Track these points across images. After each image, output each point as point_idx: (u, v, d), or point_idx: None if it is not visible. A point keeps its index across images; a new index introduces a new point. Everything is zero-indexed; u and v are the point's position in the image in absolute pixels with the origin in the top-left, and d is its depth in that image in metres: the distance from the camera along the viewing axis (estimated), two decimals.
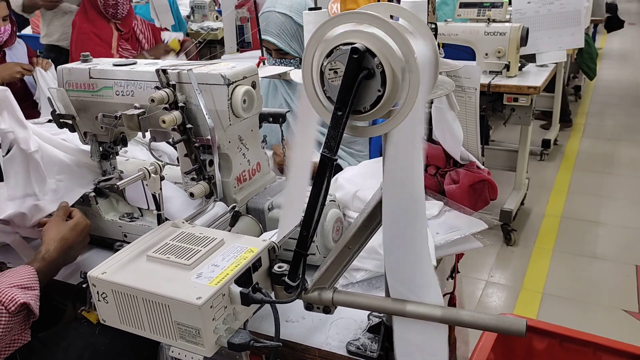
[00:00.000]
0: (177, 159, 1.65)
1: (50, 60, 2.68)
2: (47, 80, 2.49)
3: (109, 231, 1.32)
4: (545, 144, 4.30)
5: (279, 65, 1.82)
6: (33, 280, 1.09)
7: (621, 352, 1.42)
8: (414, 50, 0.70)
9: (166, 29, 3.81)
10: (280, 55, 1.83)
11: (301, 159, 0.86)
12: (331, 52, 0.73)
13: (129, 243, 1.00)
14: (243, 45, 3.97)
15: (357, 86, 0.71)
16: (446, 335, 0.86)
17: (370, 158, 1.85)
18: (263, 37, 1.80)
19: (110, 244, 1.29)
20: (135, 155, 1.59)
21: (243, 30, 3.90)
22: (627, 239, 3.20)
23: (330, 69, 0.74)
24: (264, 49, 1.86)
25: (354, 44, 0.70)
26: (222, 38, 4.30)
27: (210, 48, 5.49)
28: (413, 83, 0.71)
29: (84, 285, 1.11)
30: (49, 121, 2.11)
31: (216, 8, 5.49)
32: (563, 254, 3.06)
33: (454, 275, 1.55)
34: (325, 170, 0.77)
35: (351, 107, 0.73)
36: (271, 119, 1.28)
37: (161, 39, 3.45)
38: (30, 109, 2.53)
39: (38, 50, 2.85)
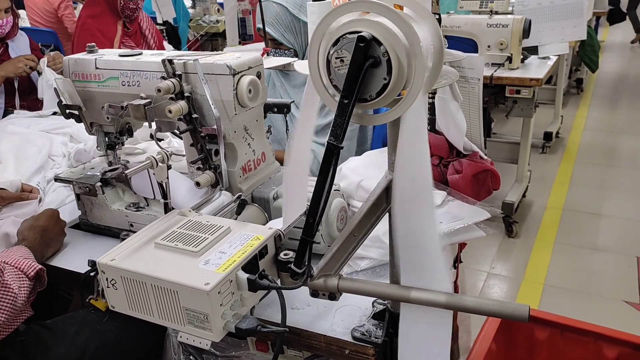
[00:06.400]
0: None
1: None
2: (51, 72, 2.49)
3: (116, 221, 1.33)
4: (547, 136, 4.31)
5: (274, 55, 1.84)
6: (32, 257, 1.16)
7: (622, 341, 1.43)
8: (419, 39, 0.70)
9: None
10: (275, 45, 1.86)
11: (301, 148, 0.87)
12: (337, 40, 0.74)
13: (135, 232, 1.02)
14: (245, 38, 3.96)
15: (364, 74, 0.72)
16: (450, 323, 0.88)
17: (372, 148, 1.86)
18: (258, 26, 1.82)
19: (116, 234, 1.30)
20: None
21: (245, 23, 3.89)
22: (628, 230, 3.21)
23: (336, 58, 0.74)
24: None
25: (361, 32, 0.71)
26: (224, 31, 4.31)
27: (212, 41, 5.50)
28: (418, 72, 0.72)
29: (92, 274, 1.13)
30: (54, 114, 2.13)
31: (217, 0, 5.49)
32: (564, 245, 3.08)
33: (456, 265, 1.56)
34: (332, 158, 0.78)
35: (357, 95, 0.74)
36: (276, 109, 1.29)
37: (163, 39, 3.39)
38: (34, 102, 2.54)
39: (40, 44, 2.86)
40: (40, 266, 1.12)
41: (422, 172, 0.77)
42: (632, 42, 7.37)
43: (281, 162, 1.51)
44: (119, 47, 3.11)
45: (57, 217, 1.33)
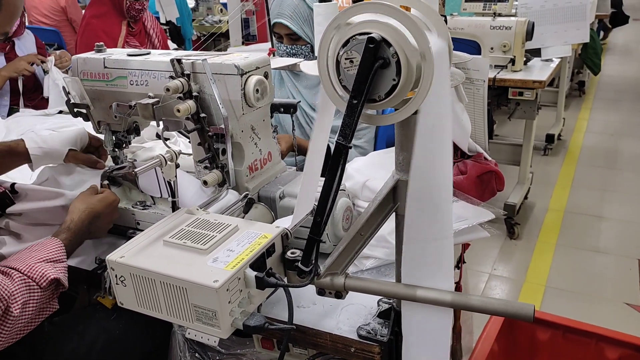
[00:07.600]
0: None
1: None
2: (57, 71, 2.50)
3: (122, 219, 1.34)
4: (549, 138, 4.31)
5: (290, 51, 1.83)
6: (61, 253, 1.10)
7: (623, 343, 1.44)
8: (428, 40, 0.71)
9: None
10: (291, 41, 1.84)
11: (317, 150, 0.87)
12: (347, 41, 0.75)
13: (141, 231, 1.02)
14: (248, 39, 3.97)
15: (373, 75, 0.73)
16: (450, 322, 0.88)
17: (376, 149, 1.86)
18: (276, 20, 1.81)
19: (123, 232, 1.31)
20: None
21: (249, 23, 3.90)
22: (629, 233, 3.21)
23: (346, 58, 0.75)
24: (274, 38, 1.87)
25: (370, 33, 0.72)
26: (227, 31, 4.32)
27: (214, 41, 5.50)
28: (427, 73, 0.73)
29: (99, 271, 1.14)
30: (60, 112, 2.14)
31: (221, 0, 5.50)
32: (566, 247, 3.08)
33: (460, 265, 1.57)
34: (340, 158, 0.79)
35: (366, 96, 0.75)
36: (282, 109, 1.30)
37: (167, 38, 3.40)
38: (39, 100, 2.55)
39: (45, 42, 2.87)
40: (54, 276, 1.06)
41: (442, 172, 0.78)
42: None
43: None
44: (123, 47, 3.11)
45: (116, 207, 1.26)
